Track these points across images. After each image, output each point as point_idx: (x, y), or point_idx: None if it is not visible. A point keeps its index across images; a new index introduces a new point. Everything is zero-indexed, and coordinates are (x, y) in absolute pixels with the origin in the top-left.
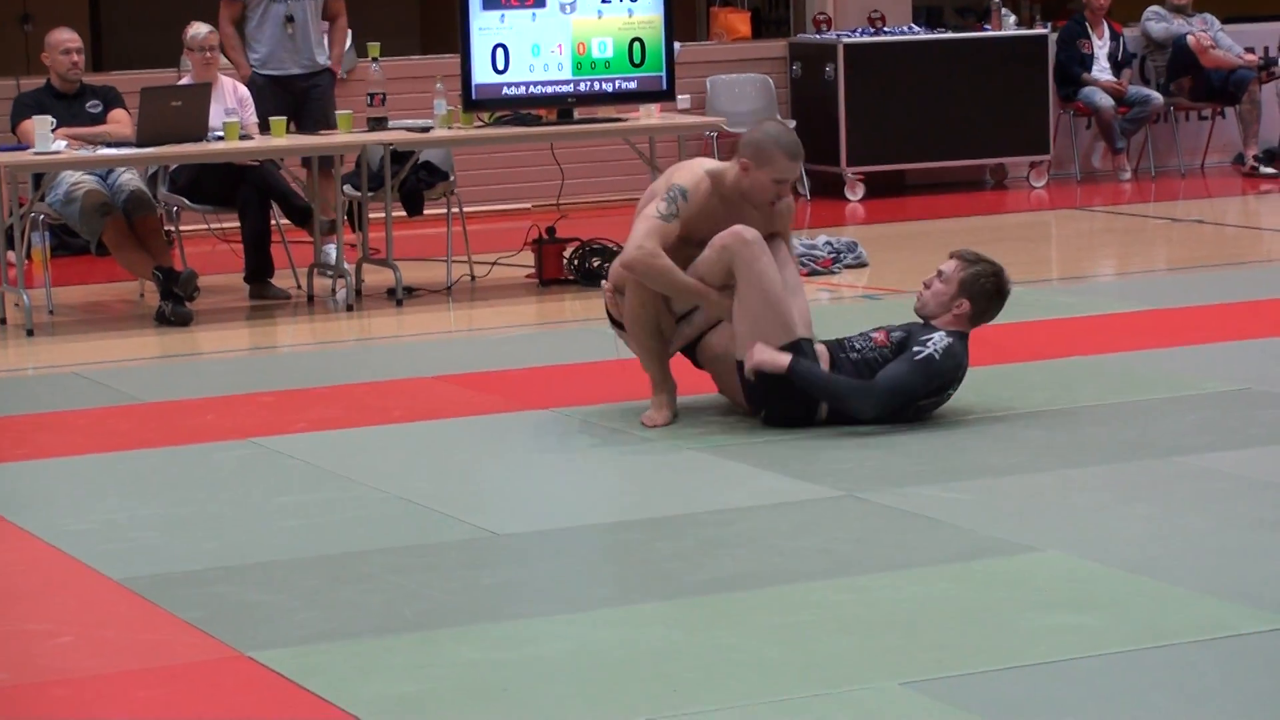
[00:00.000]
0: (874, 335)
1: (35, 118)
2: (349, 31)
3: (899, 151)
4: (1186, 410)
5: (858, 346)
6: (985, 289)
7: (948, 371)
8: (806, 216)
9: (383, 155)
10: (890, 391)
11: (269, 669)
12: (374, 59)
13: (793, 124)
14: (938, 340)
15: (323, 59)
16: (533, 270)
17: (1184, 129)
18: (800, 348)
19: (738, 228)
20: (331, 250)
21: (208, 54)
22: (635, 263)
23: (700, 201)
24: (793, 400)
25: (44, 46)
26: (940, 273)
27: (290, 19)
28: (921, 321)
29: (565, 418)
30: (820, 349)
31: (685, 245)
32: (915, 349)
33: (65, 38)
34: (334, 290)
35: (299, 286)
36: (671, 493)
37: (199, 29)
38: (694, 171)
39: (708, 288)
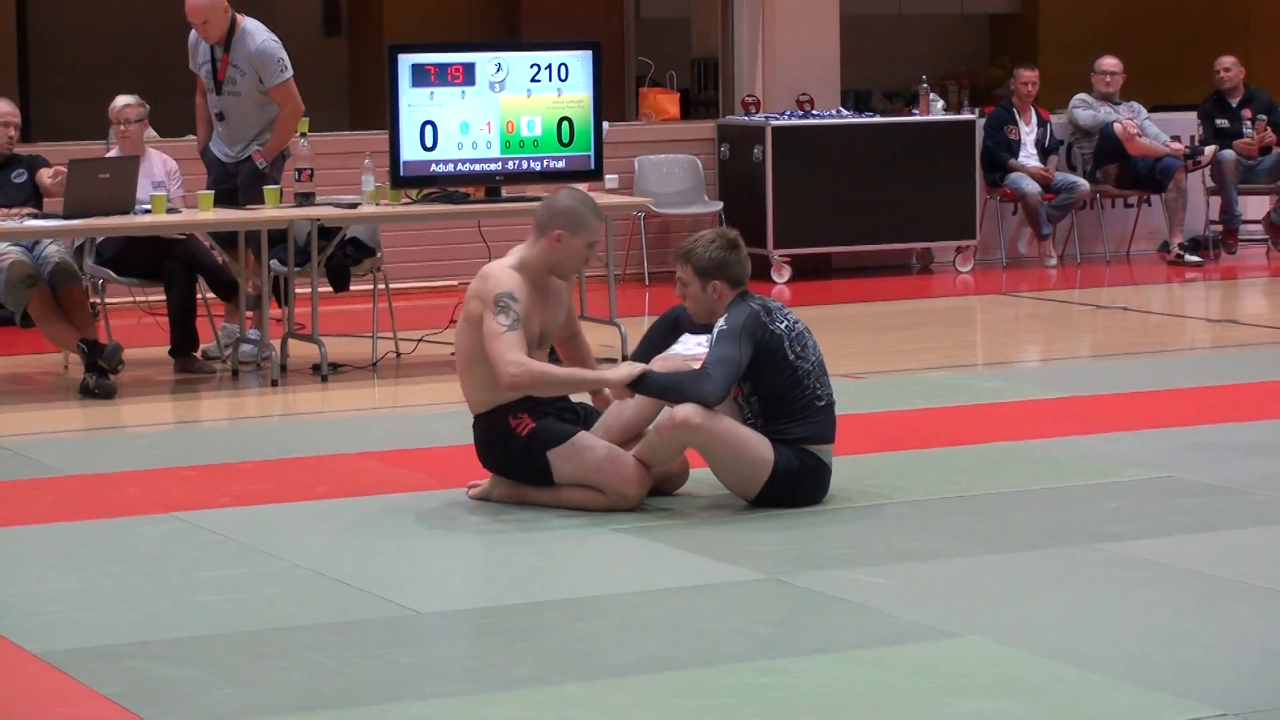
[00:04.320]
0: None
1: None
2: (296, 123)
3: (826, 234)
4: (1108, 497)
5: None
6: (717, 258)
7: (750, 325)
8: None
9: (309, 230)
10: (714, 364)
11: None
12: (302, 134)
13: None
14: (718, 323)
15: (254, 148)
16: None
17: (1110, 216)
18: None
19: (675, 414)
20: (234, 329)
21: (122, 126)
22: (518, 380)
23: (526, 298)
24: (801, 491)
25: None
26: (681, 283)
27: (221, 116)
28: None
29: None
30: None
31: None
32: (710, 340)
33: (7, 110)
34: (257, 365)
35: (224, 360)
36: (593, 573)
37: (118, 101)
38: (506, 274)
39: (591, 372)
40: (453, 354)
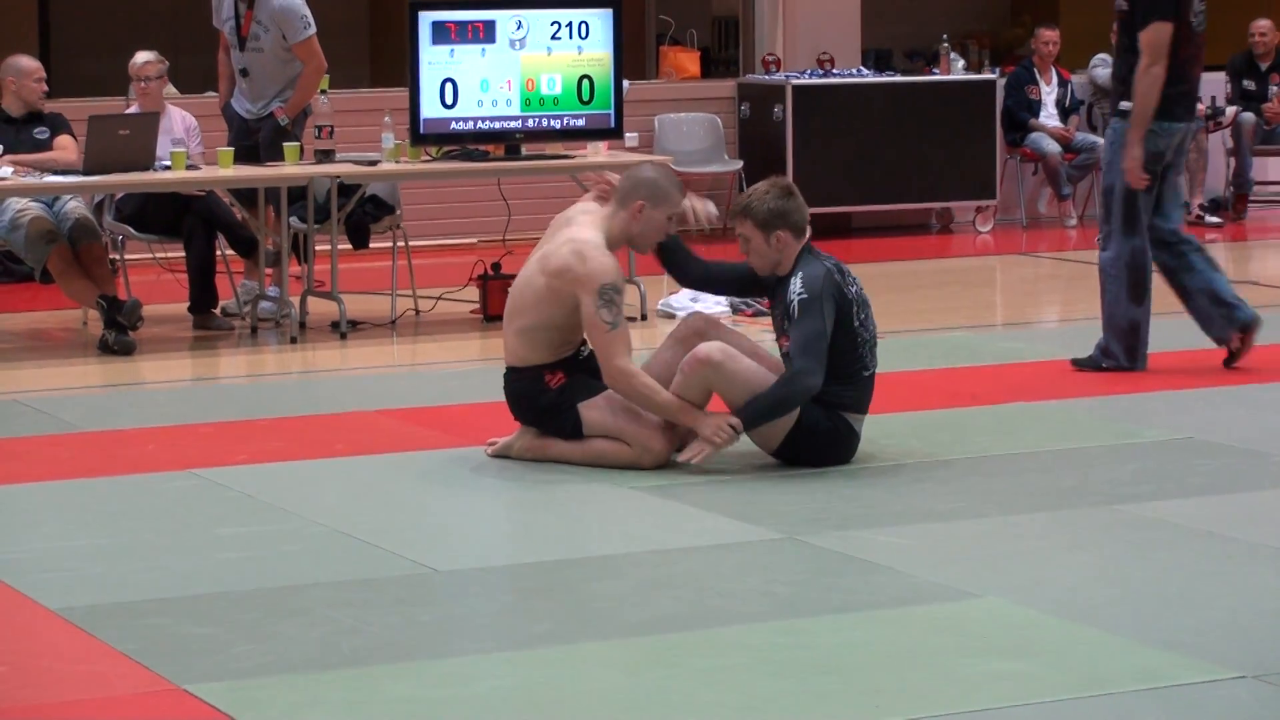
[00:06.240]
0: (780, 343)
1: None
2: (318, 80)
3: (846, 194)
4: (1127, 458)
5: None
6: (776, 208)
7: (828, 289)
8: None
9: (329, 188)
10: (803, 353)
11: (205, 702)
12: (322, 91)
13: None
14: (794, 285)
15: (276, 104)
16: (477, 306)
17: None
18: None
19: (698, 352)
20: (253, 286)
21: (143, 83)
22: (620, 387)
23: (623, 284)
24: (827, 451)
25: (6, 71)
26: (744, 239)
27: (244, 72)
28: (775, 280)
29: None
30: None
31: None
32: (790, 308)
33: (36, 65)
34: (277, 322)
35: (243, 317)
36: (612, 532)
37: (138, 57)
38: (605, 259)
39: (689, 405)
40: (473, 311)
